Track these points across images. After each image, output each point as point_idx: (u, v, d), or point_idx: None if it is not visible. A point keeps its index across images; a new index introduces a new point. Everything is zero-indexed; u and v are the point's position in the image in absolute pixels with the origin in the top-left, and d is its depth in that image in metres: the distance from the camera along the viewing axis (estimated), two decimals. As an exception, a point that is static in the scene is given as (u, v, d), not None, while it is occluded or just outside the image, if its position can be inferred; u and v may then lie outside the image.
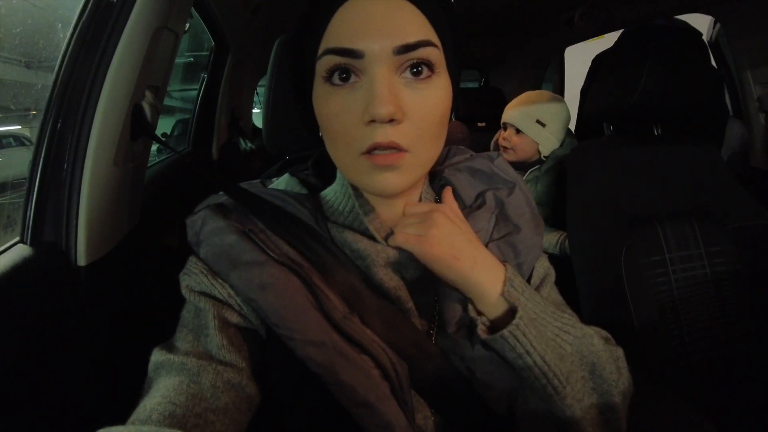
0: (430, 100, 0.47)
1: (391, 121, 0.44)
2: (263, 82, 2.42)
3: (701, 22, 1.59)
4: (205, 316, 0.49)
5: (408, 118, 0.46)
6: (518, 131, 1.40)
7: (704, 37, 1.66)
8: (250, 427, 0.47)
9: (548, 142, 1.38)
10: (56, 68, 0.72)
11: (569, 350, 0.50)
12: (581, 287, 1.12)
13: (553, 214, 1.40)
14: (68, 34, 0.71)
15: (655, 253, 1.04)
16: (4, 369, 0.59)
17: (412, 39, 0.44)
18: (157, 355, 0.47)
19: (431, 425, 0.51)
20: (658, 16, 1.53)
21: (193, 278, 0.51)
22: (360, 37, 0.44)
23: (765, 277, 1.05)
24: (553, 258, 1.31)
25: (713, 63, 1.66)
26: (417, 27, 0.45)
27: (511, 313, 0.49)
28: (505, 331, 0.47)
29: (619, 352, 0.55)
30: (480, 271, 0.49)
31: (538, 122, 1.37)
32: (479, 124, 2.27)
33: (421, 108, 0.46)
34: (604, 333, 0.57)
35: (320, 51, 0.47)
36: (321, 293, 0.49)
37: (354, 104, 0.46)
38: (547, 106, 1.38)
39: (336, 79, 0.46)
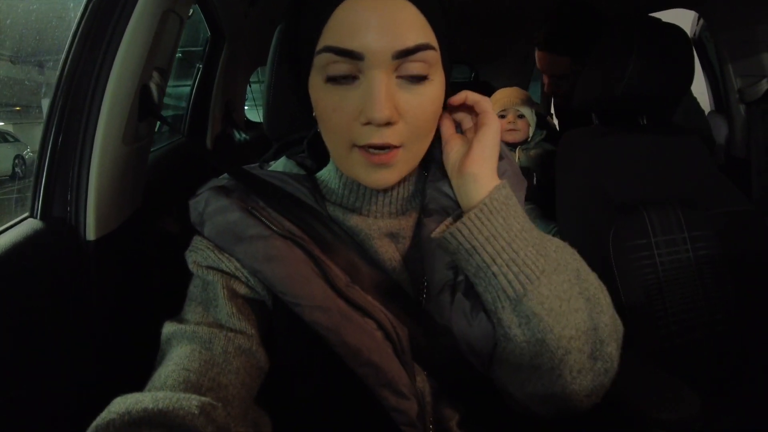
0: (426, 100, 0.48)
1: (387, 123, 0.46)
2: (254, 78, 2.44)
3: (685, 19, 1.65)
4: (214, 287, 0.51)
5: (403, 118, 0.48)
6: (521, 116, 1.63)
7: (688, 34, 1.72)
8: (260, 395, 0.49)
9: (534, 123, 1.66)
10: (65, 49, 0.74)
11: (554, 256, 0.50)
12: None
13: (544, 182, 1.60)
14: (78, 16, 0.73)
15: (640, 237, 1.07)
16: (17, 339, 0.61)
17: (411, 43, 0.45)
18: (168, 327, 0.49)
19: (428, 389, 0.54)
20: (644, 12, 1.58)
21: (200, 254, 0.53)
22: (361, 38, 0.44)
23: (744, 260, 1.09)
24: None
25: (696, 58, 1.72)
26: (416, 29, 0.46)
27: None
28: (471, 213, 0.48)
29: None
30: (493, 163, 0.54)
31: (531, 110, 1.64)
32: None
33: (416, 108, 0.48)
34: None
35: (319, 46, 0.47)
36: (324, 263, 0.51)
37: (351, 103, 0.47)
38: (531, 99, 1.66)
39: (335, 76, 0.47)
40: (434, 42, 0.48)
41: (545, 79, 1.61)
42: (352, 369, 0.49)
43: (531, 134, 1.64)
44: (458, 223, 0.49)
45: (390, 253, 0.56)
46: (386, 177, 0.50)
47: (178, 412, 0.36)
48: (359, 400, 0.50)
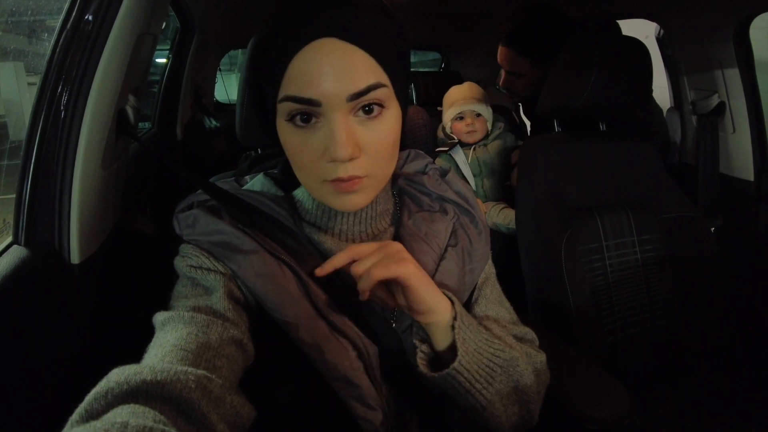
0: (383, 133, 0.53)
1: (351, 159, 0.51)
2: (225, 60, 2.39)
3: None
4: (212, 284, 0.55)
5: (364, 152, 0.52)
6: (478, 115, 1.65)
7: (653, 33, 1.77)
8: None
9: (491, 117, 1.70)
10: (41, 79, 0.73)
11: (498, 371, 0.58)
12: (526, 273, 1.22)
13: (501, 179, 1.69)
14: (51, 44, 0.73)
15: (593, 241, 1.14)
16: (7, 369, 0.62)
17: (363, 85, 0.50)
18: (162, 314, 0.51)
19: (392, 397, 0.61)
20: (609, 18, 1.62)
21: (194, 259, 0.56)
22: (316, 86, 0.49)
23: (686, 261, 1.19)
24: (512, 239, 1.43)
25: (660, 57, 1.77)
26: (367, 72, 0.50)
27: (454, 348, 0.56)
28: (458, 365, 0.55)
29: (541, 357, 0.65)
30: (438, 296, 0.57)
31: (487, 105, 1.67)
32: (438, 108, 2.32)
33: (375, 141, 0.53)
34: (531, 336, 0.68)
35: (280, 96, 0.51)
36: (307, 284, 0.57)
37: (315, 143, 0.52)
38: (485, 94, 1.70)
39: (298, 121, 0.52)
40: (386, 80, 0.52)
41: (502, 74, 1.63)
42: (327, 381, 0.55)
43: (489, 128, 1.69)
44: (445, 374, 0.55)
45: None
46: (355, 201, 0.55)
47: (176, 385, 0.38)
48: (331, 408, 0.56)
